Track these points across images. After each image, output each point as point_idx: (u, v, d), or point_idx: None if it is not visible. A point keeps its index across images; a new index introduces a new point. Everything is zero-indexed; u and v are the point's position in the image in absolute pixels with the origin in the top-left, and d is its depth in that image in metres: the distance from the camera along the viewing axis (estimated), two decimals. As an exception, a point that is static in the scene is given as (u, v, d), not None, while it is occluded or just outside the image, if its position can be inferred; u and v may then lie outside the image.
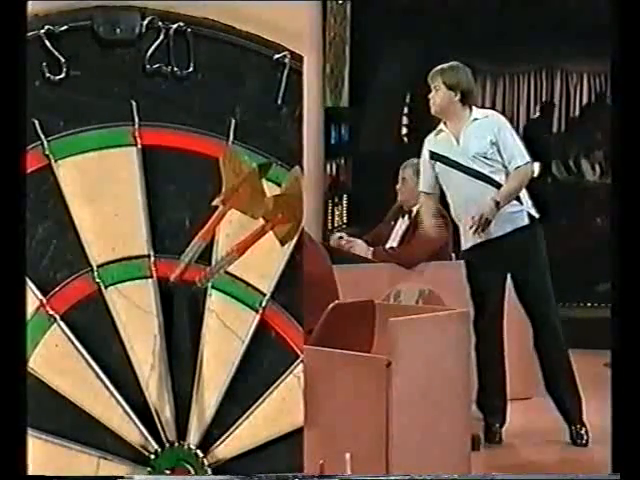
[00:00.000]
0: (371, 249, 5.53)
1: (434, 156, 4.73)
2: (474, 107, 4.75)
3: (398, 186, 5.63)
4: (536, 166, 8.93)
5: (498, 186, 4.58)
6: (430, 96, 4.71)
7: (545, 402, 4.86)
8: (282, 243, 2.67)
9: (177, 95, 2.78)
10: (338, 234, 5.84)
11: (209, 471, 2.79)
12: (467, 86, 4.70)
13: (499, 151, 4.62)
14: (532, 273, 4.69)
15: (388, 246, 5.57)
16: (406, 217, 5.59)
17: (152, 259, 2.75)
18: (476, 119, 4.69)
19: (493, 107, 9.33)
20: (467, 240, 4.71)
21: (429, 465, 3.52)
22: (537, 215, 4.70)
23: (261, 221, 2.71)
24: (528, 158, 4.65)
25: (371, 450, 3.46)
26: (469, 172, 4.63)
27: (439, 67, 4.72)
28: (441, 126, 4.74)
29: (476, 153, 4.61)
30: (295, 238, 2.72)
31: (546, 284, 4.71)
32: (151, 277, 2.76)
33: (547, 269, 4.72)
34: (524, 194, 4.69)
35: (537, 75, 9.16)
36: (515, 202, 4.63)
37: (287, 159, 2.80)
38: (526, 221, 4.67)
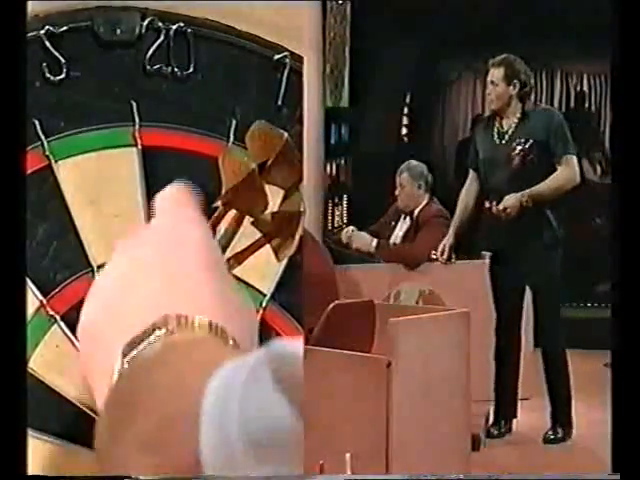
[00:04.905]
0: (375, 240, 5.50)
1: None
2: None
3: (397, 192, 5.62)
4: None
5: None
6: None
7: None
8: (278, 259, 2.68)
9: (177, 96, 2.77)
10: (349, 228, 5.81)
11: (209, 471, 2.79)
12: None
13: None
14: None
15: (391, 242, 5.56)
16: (407, 218, 5.59)
17: (152, 260, 2.75)
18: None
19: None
20: None
21: (429, 465, 3.53)
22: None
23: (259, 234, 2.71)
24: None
25: (371, 450, 3.47)
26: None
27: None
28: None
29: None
30: (292, 252, 2.73)
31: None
32: (151, 278, 2.75)
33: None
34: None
35: (537, 75, 9.17)
36: None
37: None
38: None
